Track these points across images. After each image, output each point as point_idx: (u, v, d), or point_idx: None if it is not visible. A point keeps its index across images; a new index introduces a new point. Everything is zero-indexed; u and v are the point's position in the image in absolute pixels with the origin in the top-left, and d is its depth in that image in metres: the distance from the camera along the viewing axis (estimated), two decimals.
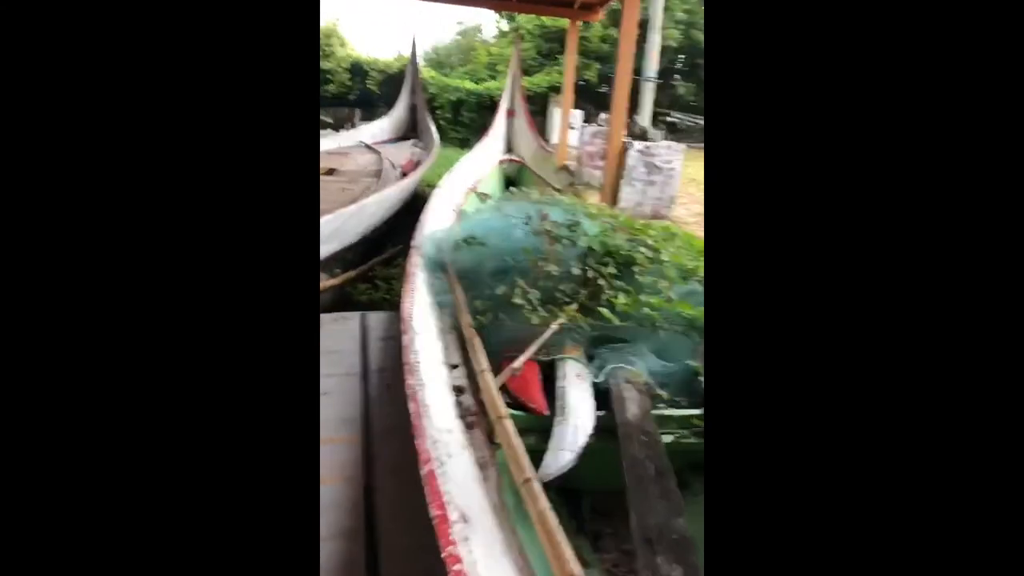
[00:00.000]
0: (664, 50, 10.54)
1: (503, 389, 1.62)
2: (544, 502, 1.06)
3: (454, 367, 1.80)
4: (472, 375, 1.70)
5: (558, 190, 4.70)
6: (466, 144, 11.27)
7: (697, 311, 1.98)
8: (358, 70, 14.80)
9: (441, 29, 45.21)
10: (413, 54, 9.07)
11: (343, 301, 3.33)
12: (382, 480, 1.31)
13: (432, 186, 4.29)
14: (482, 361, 1.68)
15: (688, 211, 6.26)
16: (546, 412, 1.52)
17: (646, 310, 1.94)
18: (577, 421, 1.43)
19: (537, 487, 1.10)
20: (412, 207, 4.63)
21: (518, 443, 1.26)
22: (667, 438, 1.52)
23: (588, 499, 1.63)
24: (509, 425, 1.34)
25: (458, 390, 1.63)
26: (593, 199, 5.00)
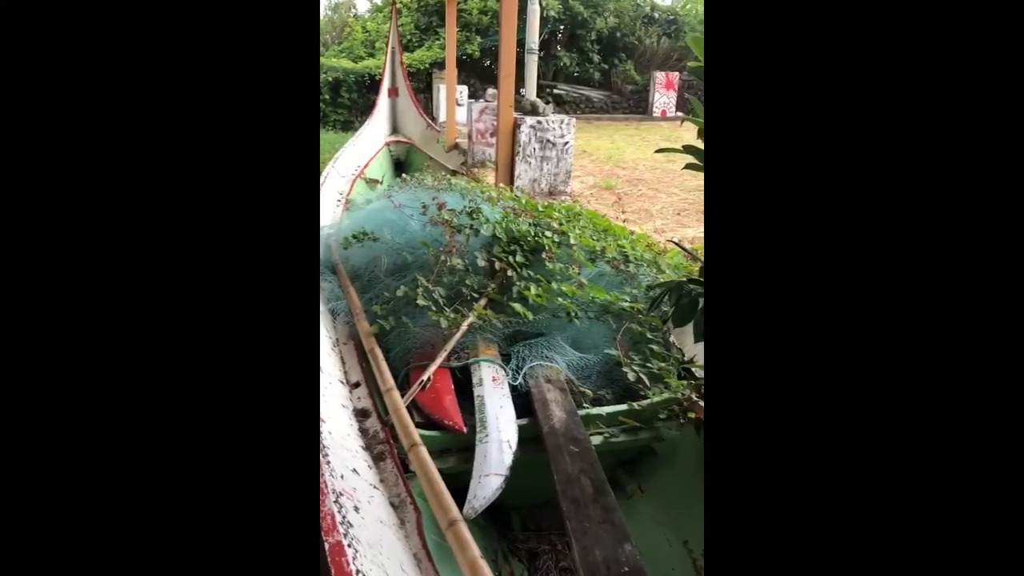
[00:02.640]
0: (544, 20, 10.48)
1: (414, 406, 1.45)
2: (474, 551, 0.91)
3: (355, 385, 1.60)
4: (376, 393, 1.52)
5: (453, 172, 4.51)
6: (349, 127, 10.74)
7: (610, 295, 1.90)
8: None
9: None
10: None
11: None
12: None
13: None
14: (387, 378, 1.50)
15: (583, 184, 6.27)
16: (464, 430, 1.37)
17: (559, 300, 1.82)
18: (501, 436, 1.29)
19: (464, 532, 0.96)
20: None
21: (437, 477, 1.10)
22: (596, 439, 1.42)
23: (517, 515, 1.50)
24: (424, 454, 1.18)
25: (362, 414, 1.44)
26: (488, 178, 4.86)
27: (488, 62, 12.95)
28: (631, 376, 1.59)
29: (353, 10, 17.35)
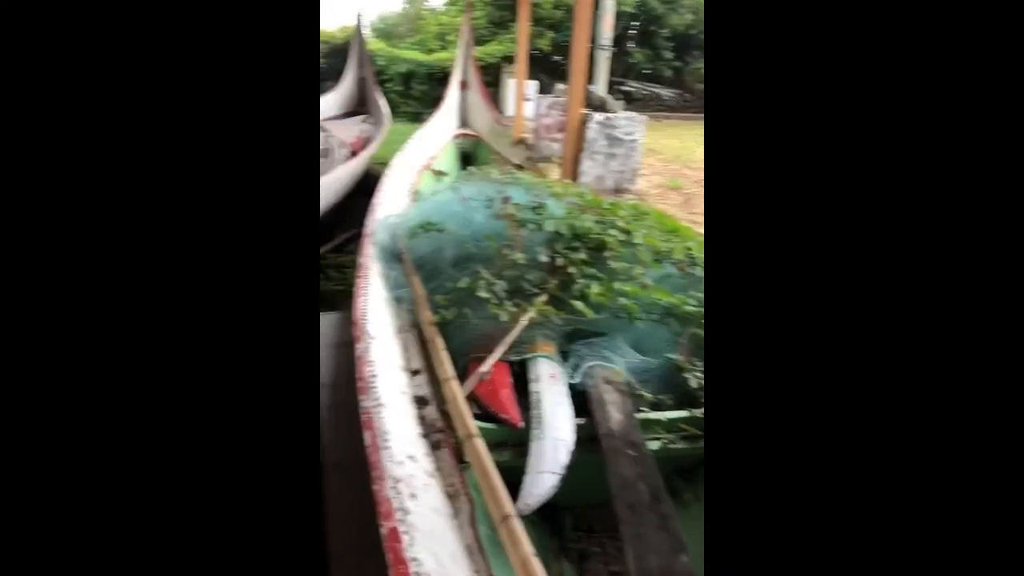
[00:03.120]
0: (618, 16, 10.33)
1: (471, 398, 1.45)
2: (527, 547, 0.91)
3: (415, 373, 1.62)
4: (435, 381, 1.53)
5: (518, 166, 4.50)
6: (418, 118, 10.88)
7: (675, 298, 1.85)
8: None
9: None
10: (359, 24, 8.63)
11: None
12: (335, 529, 1.12)
13: (384, 164, 4.04)
14: (447, 367, 1.51)
15: (650, 183, 6.15)
16: (520, 424, 1.37)
17: (621, 299, 1.79)
18: (557, 435, 1.28)
19: (518, 527, 0.95)
20: (363, 188, 4.37)
21: (492, 469, 1.10)
22: (653, 444, 1.39)
23: (570, 515, 1.49)
24: (481, 445, 1.18)
25: (420, 401, 1.46)
26: (553, 174, 4.83)
27: (559, 57, 12.86)
28: (693, 383, 1.55)
29: (427, 2, 17.57)
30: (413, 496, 0.94)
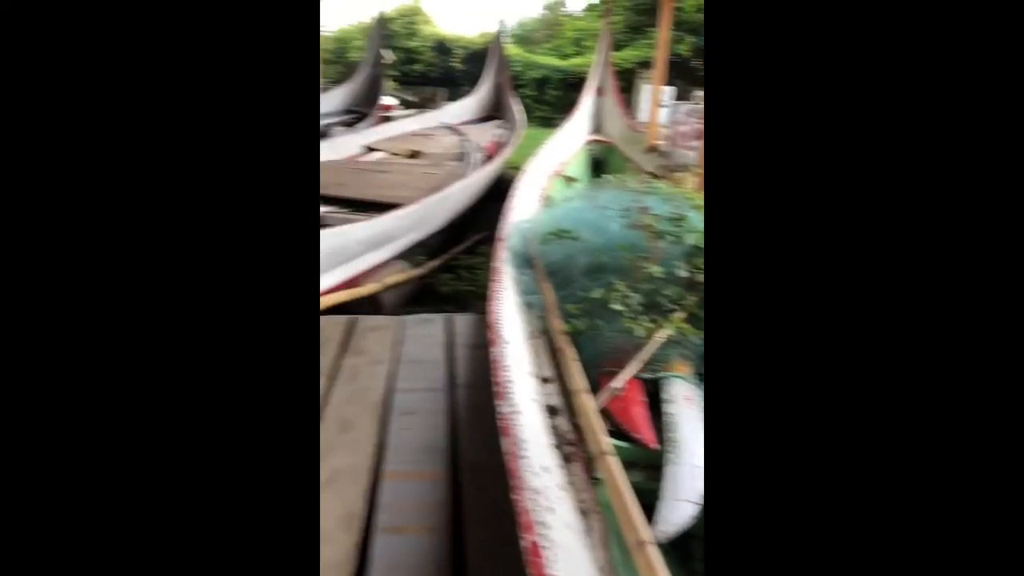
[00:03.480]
0: None
1: (602, 413, 1.43)
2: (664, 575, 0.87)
3: (545, 380, 1.62)
4: (566, 392, 1.52)
5: (651, 174, 4.40)
6: (550, 123, 10.99)
7: None
8: (443, 48, 14.75)
9: (527, 3, 44.53)
10: (500, 30, 8.85)
11: (425, 292, 3.23)
12: (474, 533, 1.14)
13: (517, 168, 4.11)
14: (578, 379, 1.49)
15: None
16: (654, 446, 1.32)
17: None
18: (695, 461, 1.22)
19: (655, 556, 0.91)
20: (496, 191, 4.48)
21: (628, 491, 1.07)
22: None
23: (698, 544, 1.42)
24: (616, 464, 1.15)
25: (551, 411, 1.45)
26: (688, 183, 4.66)
27: (699, 62, 12.44)
28: None
29: (565, 7, 17.69)
30: (551, 510, 0.93)
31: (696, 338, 1.65)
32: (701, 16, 12.30)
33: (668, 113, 8.23)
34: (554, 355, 1.73)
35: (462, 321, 2.22)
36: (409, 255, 3.29)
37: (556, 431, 1.36)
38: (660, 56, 6.71)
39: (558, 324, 1.82)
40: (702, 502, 1.13)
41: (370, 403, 1.68)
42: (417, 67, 14.47)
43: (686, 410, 1.41)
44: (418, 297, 3.14)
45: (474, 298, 3.13)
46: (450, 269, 3.46)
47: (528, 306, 2.05)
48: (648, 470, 1.33)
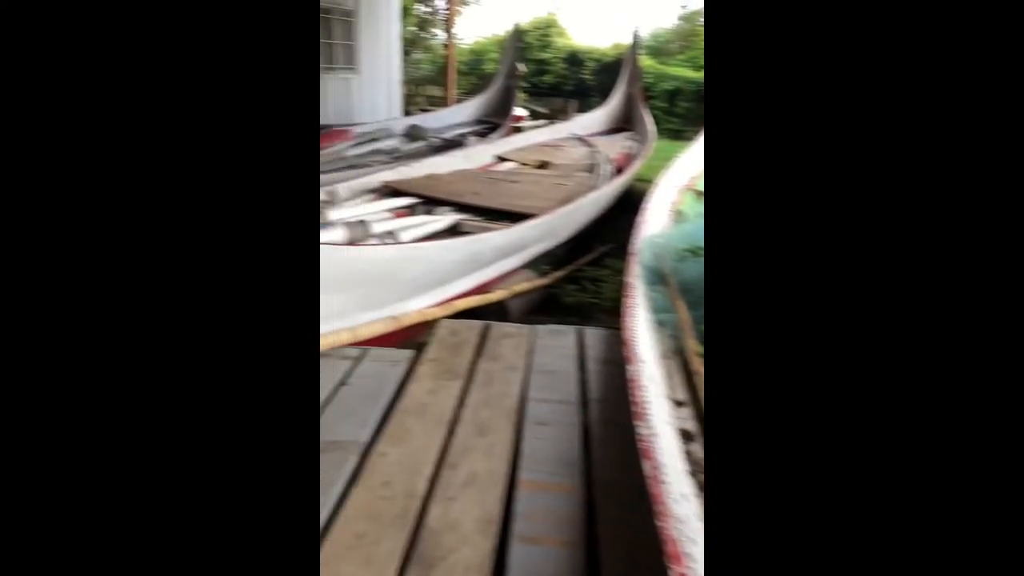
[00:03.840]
0: None
1: None
2: None
3: (679, 404, 1.59)
4: (701, 417, 1.48)
5: None
6: (679, 136, 10.73)
7: None
8: (574, 60, 14.85)
9: (662, 14, 43.73)
10: (634, 42, 8.76)
11: (550, 302, 3.27)
12: (610, 554, 1.14)
13: (646, 181, 4.05)
14: None
15: None
16: None
17: None
18: None
19: None
20: (624, 203, 4.44)
21: None
22: None
23: None
24: None
25: (686, 435, 1.42)
26: None
27: None
28: None
29: (699, 19, 17.21)
30: (694, 542, 0.91)
31: None
32: None
33: None
34: (688, 377, 1.69)
35: (593, 336, 2.23)
36: (535, 264, 3.35)
37: (690, 458, 1.33)
38: None
39: (693, 345, 1.78)
40: None
41: (505, 409, 1.72)
42: (547, 78, 14.68)
43: None
44: (543, 306, 3.18)
45: (597, 310, 3.12)
46: (574, 280, 3.48)
47: (660, 324, 2.01)
48: None
